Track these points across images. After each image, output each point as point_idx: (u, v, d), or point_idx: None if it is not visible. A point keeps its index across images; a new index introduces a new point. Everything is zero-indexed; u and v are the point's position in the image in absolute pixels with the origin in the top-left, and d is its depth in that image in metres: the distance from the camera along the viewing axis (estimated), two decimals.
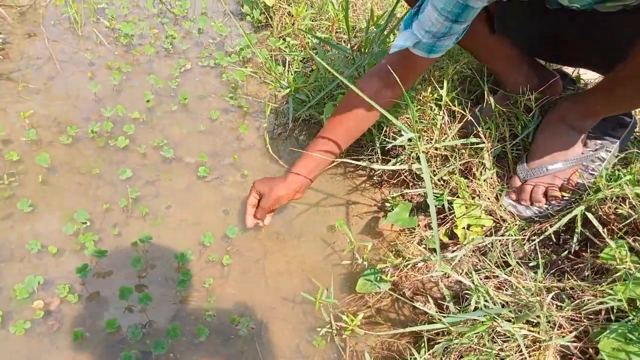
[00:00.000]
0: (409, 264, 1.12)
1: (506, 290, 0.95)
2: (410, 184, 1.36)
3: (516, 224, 1.12)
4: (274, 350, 1.11)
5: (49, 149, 1.43)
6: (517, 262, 1.01)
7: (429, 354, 0.95)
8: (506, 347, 0.85)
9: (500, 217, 1.14)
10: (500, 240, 1.08)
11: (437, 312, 1.14)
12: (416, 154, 1.25)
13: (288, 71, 1.69)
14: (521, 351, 0.82)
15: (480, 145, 1.16)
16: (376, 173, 1.43)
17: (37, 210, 1.28)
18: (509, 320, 0.85)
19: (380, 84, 1.13)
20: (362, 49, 1.46)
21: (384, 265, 1.13)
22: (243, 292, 1.20)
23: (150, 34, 1.92)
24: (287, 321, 1.17)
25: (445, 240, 1.17)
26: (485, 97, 1.18)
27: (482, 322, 0.84)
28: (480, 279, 0.99)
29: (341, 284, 1.24)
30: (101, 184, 1.38)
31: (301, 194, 1.20)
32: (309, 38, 1.65)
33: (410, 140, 1.19)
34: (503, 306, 0.89)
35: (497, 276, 0.98)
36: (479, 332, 0.83)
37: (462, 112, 1.17)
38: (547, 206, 1.14)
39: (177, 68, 1.77)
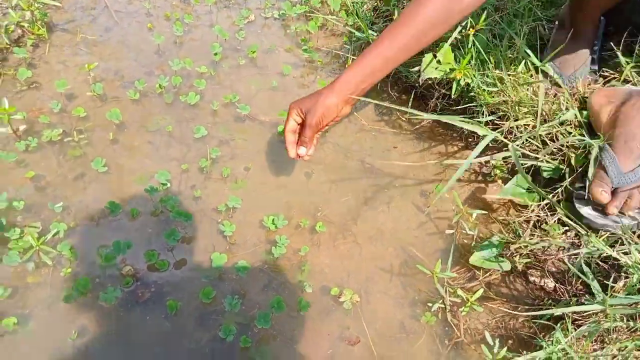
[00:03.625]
0: (535, 245, 1.01)
1: None
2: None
3: None
4: (379, 326, 1.02)
5: (114, 104, 1.33)
6: None
7: (569, 338, 0.85)
8: None
9: None
10: None
11: (556, 287, 1.03)
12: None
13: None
14: None
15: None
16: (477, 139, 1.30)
17: (112, 170, 1.19)
18: None
19: None
20: None
21: (515, 245, 1.01)
22: (336, 260, 1.11)
23: None
24: (387, 294, 1.07)
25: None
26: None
27: None
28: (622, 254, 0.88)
29: (442, 254, 1.13)
30: (173, 142, 1.27)
31: (350, 106, 1.03)
32: None
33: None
34: None
35: None
36: None
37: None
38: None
39: (240, 19, 1.63)
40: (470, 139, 1.32)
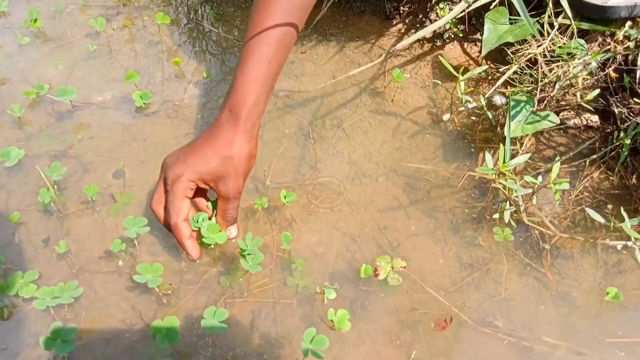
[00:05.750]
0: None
1: None
2: None
3: None
4: (449, 286, 0.65)
5: None
6: None
7: None
8: None
9: None
10: None
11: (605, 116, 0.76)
12: None
13: None
14: None
15: None
16: None
17: None
18: None
19: None
20: None
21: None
22: (326, 228, 0.72)
23: None
24: (422, 236, 0.71)
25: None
26: None
27: None
28: None
29: (445, 151, 0.80)
30: None
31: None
32: None
33: None
34: None
35: None
36: None
37: None
38: None
39: None
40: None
